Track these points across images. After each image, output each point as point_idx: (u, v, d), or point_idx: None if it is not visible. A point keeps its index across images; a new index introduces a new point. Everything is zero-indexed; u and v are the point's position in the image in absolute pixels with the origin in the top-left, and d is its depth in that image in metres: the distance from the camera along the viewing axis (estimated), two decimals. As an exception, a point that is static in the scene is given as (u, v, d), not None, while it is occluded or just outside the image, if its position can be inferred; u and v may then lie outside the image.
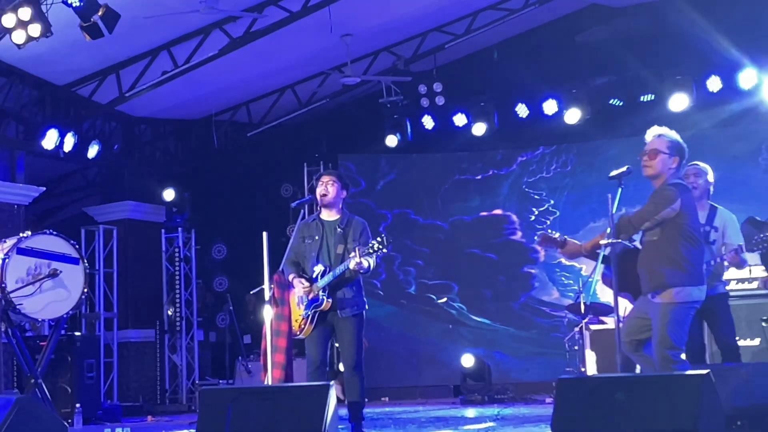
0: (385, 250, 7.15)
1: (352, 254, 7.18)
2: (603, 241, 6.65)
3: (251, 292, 8.67)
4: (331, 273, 7.33)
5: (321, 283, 7.35)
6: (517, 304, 14.48)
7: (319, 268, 7.41)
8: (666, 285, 6.29)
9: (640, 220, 6.43)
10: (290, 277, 7.50)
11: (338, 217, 7.60)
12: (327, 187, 7.56)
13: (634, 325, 6.52)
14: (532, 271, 14.54)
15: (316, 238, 7.53)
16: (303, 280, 7.42)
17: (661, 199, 6.41)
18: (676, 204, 6.35)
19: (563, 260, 14.33)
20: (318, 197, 7.60)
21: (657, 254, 6.39)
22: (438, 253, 14.84)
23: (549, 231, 6.61)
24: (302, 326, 7.40)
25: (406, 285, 14.86)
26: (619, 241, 6.63)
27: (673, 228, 6.36)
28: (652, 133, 6.69)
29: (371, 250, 7.11)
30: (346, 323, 7.41)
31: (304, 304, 7.41)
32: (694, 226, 6.46)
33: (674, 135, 6.67)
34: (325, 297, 7.34)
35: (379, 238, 7.16)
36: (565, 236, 6.62)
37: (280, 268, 7.43)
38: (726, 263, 7.61)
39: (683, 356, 6.30)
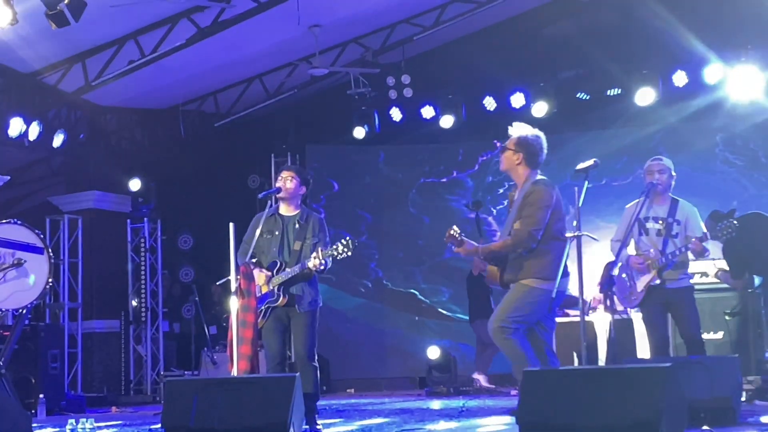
0: (349, 254, 7.16)
1: (314, 254, 7.19)
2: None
3: (217, 283, 8.65)
4: (288, 271, 7.34)
5: (276, 279, 7.36)
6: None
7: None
8: (528, 276, 6.51)
9: (532, 225, 6.50)
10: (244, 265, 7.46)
11: (297, 212, 7.59)
12: (286, 182, 7.56)
13: None
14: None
15: (276, 233, 7.52)
16: (264, 270, 7.43)
17: (538, 200, 6.54)
18: (552, 202, 6.56)
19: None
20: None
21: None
22: (421, 258, 14.88)
23: (453, 229, 6.68)
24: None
25: (392, 285, 14.91)
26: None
27: (549, 227, 6.58)
28: (512, 130, 6.93)
29: (335, 253, 7.10)
30: (301, 318, 7.43)
31: (258, 297, 7.41)
32: (561, 221, 6.65)
33: (524, 131, 6.84)
34: (280, 293, 7.35)
35: (344, 241, 7.16)
36: (463, 236, 6.69)
37: (246, 260, 7.41)
38: (690, 255, 7.69)
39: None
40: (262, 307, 7.40)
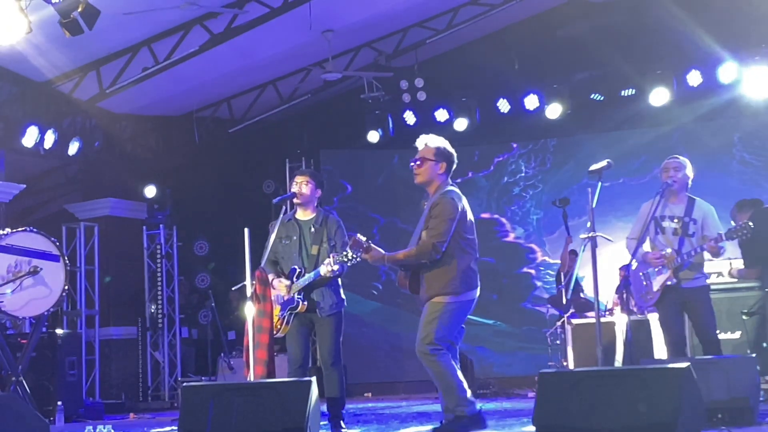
0: (359, 258, 7.16)
1: (327, 260, 7.19)
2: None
3: (233, 289, 8.66)
4: (306, 276, 7.35)
5: (296, 285, 7.37)
6: (519, 304, 14.55)
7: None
8: (440, 293, 6.55)
9: (437, 237, 6.50)
10: (269, 277, 7.49)
11: (313, 215, 7.61)
12: (302, 187, 7.57)
13: None
14: (531, 271, 14.63)
15: (294, 238, 7.53)
16: (283, 279, 7.44)
17: (443, 212, 6.56)
18: (457, 215, 6.57)
19: (547, 258, 14.42)
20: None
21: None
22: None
23: (358, 235, 6.71)
24: (278, 326, 7.41)
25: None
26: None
27: (455, 238, 6.60)
28: (420, 142, 6.93)
29: (345, 259, 7.10)
30: (324, 322, 7.43)
31: (280, 304, 7.43)
32: (468, 233, 6.69)
33: (440, 142, 6.89)
34: (300, 299, 7.36)
35: (350, 239, 7.17)
36: (370, 242, 6.71)
37: (262, 265, 7.42)
38: (706, 254, 7.66)
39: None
40: (285, 314, 7.41)
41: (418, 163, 6.85)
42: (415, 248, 6.65)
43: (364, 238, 6.69)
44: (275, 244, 7.49)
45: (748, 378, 6.73)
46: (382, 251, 6.73)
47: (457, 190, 6.77)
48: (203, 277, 15.10)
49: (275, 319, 7.43)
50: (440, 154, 6.83)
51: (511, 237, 14.81)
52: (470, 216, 6.78)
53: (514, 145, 14.95)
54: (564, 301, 11.61)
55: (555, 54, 13.86)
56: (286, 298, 7.41)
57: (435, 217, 6.58)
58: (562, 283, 12.02)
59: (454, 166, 6.87)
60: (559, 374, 5.77)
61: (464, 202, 6.75)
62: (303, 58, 13.42)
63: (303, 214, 7.64)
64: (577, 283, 12.24)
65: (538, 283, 14.54)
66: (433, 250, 6.51)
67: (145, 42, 11.64)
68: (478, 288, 6.73)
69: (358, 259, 7.06)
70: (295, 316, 7.43)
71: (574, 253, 12.10)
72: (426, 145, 6.89)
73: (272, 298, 7.45)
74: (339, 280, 7.53)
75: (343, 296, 7.58)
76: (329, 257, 7.18)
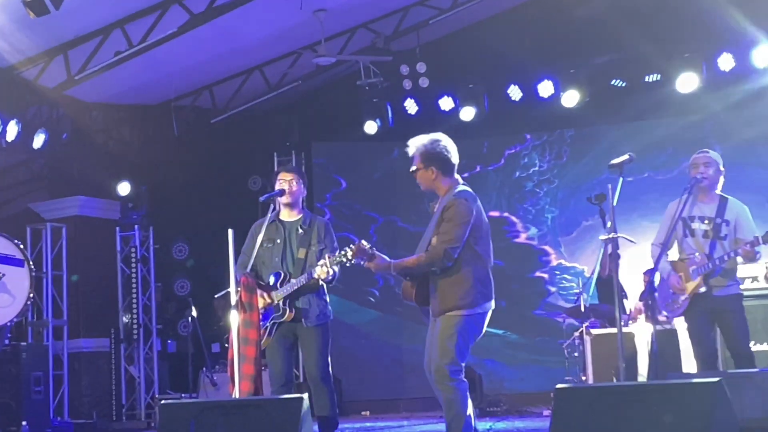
0: (363, 263, 7.15)
1: (321, 262, 7.18)
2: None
3: (216, 296, 8.66)
4: (295, 282, 7.33)
5: (281, 292, 7.36)
6: (531, 311, 14.55)
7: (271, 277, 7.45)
8: (456, 306, 6.49)
9: (449, 243, 6.49)
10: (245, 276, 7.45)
11: (300, 216, 7.61)
12: (291, 185, 7.56)
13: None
14: (544, 275, 14.63)
15: (278, 241, 7.52)
16: (264, 293, 7.42)
17: (456, 215, 6.52)
18: (471, 218, 6.54)
19: (563, 261, 14.42)
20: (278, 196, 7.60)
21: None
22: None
23: (362, 242, 6.68)
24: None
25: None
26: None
27: (469, 244, 6.55)
28: (410, 150, 6.81)
29: (343, 259, 7.08)
30: (310, 333, 7.42)
31: (261, 313, 7.41)
32: (483, 238, 6.67)
33: (420, 141, 6.76)
34: (286, 308, 7.36)
35: (353, 246, 7.13)
36: (374, 249, 6.69)
37: (247, 269, 7.42)
38: (739, 258, 7.65)
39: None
40: (267, 324, 7.40)
41: (414, 173, 6.77)
42: (424, 255, 6.59)
43: (368, 245, 6.67)
44: (255, 248, 7.45)
45: (785, 394, 6.73)
46: (388, 259, 6.69)
47: (469, 189, 6.72)
48: (183, 283, 15.10)
49: None
50: (426, 159, 6.69)
51: (522, 237, 14.82)
52: (485, 218, 6.76)
53: (528, 137, 14.96)
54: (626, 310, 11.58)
55: (572, 35, 13.86)
56: (268, 307, 7.40)
57: (447, 221, 6.53)
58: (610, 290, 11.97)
59: (452, 162, 6.71)
60: (577, 390, 5.78)
61: (479, 204, 6.71)
62: (293, 41, 13.43)
63: (288, 215, 7.63)
64: (622, 289, 12.24)
65: (552, 289, 14.55)
66: (445, 257, 6.47)
67: (117, 23, 11.62)
68: (493, 299, 6.72)
69: (360, 263, 7.05)
70: (278, 327, 7.42)
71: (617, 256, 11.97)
72: (413, 153, 6.77)
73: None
74: (326, 287, 7.53)
75: (329, 306, 7.58)
76: (325, 258, 7.17)
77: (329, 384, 7.44)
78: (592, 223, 13.33)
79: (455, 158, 6.74)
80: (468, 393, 6.56)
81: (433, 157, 6.69)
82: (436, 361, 6.55)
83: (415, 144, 6.77)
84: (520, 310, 14.47)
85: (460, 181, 6.76)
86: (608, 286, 11.94)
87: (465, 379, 6.57)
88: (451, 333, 6.50)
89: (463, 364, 6.56)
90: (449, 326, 6.51)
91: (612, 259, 11.73)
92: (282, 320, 7.37)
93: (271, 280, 7.45)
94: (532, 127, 14.82)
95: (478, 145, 14.70)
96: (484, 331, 6.68)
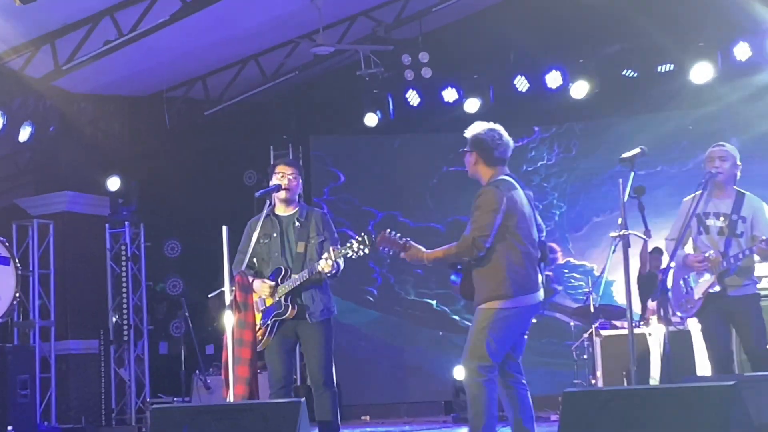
0: (367, 251, 7.15)
1: (324, 255, 7.18)
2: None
3: (210, 296, 8.66)
4: (297, 277, 7.32)
5: (283, 288, 7.36)
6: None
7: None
8: (488, 297, 6.55)
9: (477, 231, 6.56)
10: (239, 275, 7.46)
11: (295, 210, 7.61)
12: (290, 180, 7.56)
13: None
14: (549, 273, 14.61)
15: (274, 235, 7.52)
16: (266, 280, 7.43)
17: (483, 203, 6.61)
18: (501, 206, 6.57)
19: (572, 259, 14.41)
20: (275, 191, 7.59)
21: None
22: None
23: (389, 231, 6.72)
24: (260, 337, 7.40)
25: (405, 294, 14.89)
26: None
27: (502, 233, 6.61)
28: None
29: (349, 252, 7.09)
30: (313, 331, 7.41)
31: (262, 311, 7.41)
32: (522, 227, 6.70)
33: (473, 130, 6.93)
34: (288, 304, 7.35)
35: (359, 237, 7.16)
36: (407, 239, 6.73)
37: (242, 268, 7.42)
38: (756, 257, 7.64)
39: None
40: (269, 322, 7.39)
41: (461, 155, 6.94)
42: (455, 245, 6.69)
43: (398, 234, 6.72)
44: (252, 245, 7.46)
45: (804, 398, 6.73)
46: (422, 248, 6.76)
47: (509, 179, 6.76)
48: (175, 282, 15.10)
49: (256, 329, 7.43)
50: (471, 144, 6.89)
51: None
52: (525, 208, 6.75)
53: (535, 129, 14.96)
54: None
55: (581, 24, 13.84)
56: (269, 303, 7.40)
57: (476, 209, 6.63)
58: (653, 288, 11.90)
59: (495, 154, 6.82)
60: (586, 394, 5.78)
61: (518, 193, 6.73)
62: (290, 29, 13.42)
63: (284, 210, 7.63)
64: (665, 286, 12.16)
65: (559, 287, 14.54)
66: (474, 246, 6.54)
67: (107, 11, 11.62)
68: (540, 292, 6.72)
69: (367, 251, 7.06)
70: (280, 326, 7.41)
71: (657, 251, 11.86)
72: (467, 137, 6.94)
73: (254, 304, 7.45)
74: (328, 282, 7.53)
75: (333, 301, 7.58)
76: (329, 250, 7.17)
77: (332, 387, 7.44)
78: (603, 219, 13.33)
79: (502, 152, 6.86)
80: (495, 396, 6.57)
81: (478, 143, 6.87)
82: (465, 355, 6.60)
83: (472, 128, 6.94)
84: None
85: (504, 172, 6.82)
86: (650, 282, 11.91)
87: (494, 379, 6.59)
88: (482, 327, 6.56)
89: (496, 363, 6.58)
90: (481, 320, 6.58)
91: (654, 255, 11.68)
92: (284, 317, 7.35)
93: (274, 273, 7.44)
94: (539, 120, 14.83)
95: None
96: (528, 328, 6.75)
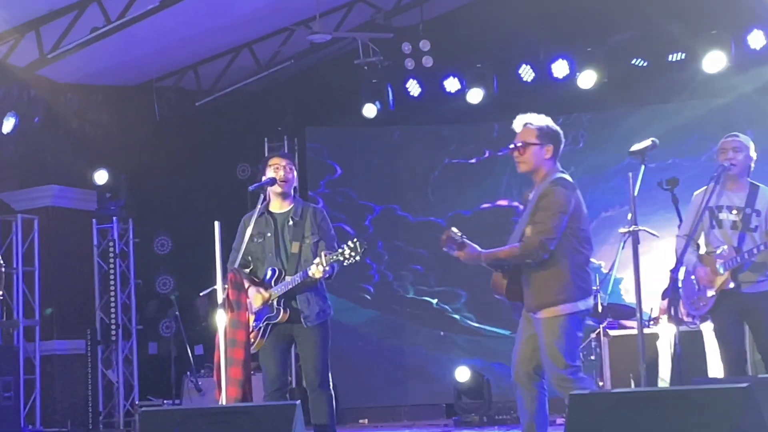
0: (357, 258, 7.14)
1: (316, 261, 7.18)
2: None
3: (201, 294, 8.66)
4: (290, 280, 7.32)
5: (275, 291, 7.35)
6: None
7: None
8: (552, 302, 6.58)
9: (545, 233, 6.54)
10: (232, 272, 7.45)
11: (291, 206, 7.60)
12: (286, 173, 7.54)
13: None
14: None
15: (268, 234, 7.52)
16: (261, 289, 7.42)
17: (553, 204, 6.63)
18: (570, 207, 6.64)
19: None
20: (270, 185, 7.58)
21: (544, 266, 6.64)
22: (438, 256, 14.84)
23: (453, 229, 6.72)
24: (253, 340, 7.40)
25: (404, 292, 14.87)
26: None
27: (566, 235, 6.63)
28: (518, 123, 7.06)
29: (341, 257, 7.08)
30: (308, 333, 7.42)
31: (255, 313, 7.41)
32: (584, 229, 6.74)
33: (543, 120, 7.04)
34: (280, 308, 7.34)
35: (351, 243, 7.13)
36: (465, 238, 6.72)
37: (235, 266, 7.42)
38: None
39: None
40: (261, 325, 7.39)
41: (520, 148, 6.90)
42: (519, 246, 6.68)
43: (458, 233, 6.71)
44: (245, 244, 7.46)
45: (821, 400, 6.72)
46: (479, 248, 6.76)
47: (568, 177, 6.81)
48: (165, 279, 15.10)
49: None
50: (545, 136, 6.93)
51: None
52: (585, 209, 6.80)
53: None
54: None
55: (589, 11, 13.83)
56: (262, 306, 7.39)
57: (543, 209, 6.65)
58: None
59: (562, 147, 6.94)
60: (593, 396, 5.77)
61: (578, 193, 6.79)
62: (285, 16, 13.42)
63: (279, 206, 7.62)
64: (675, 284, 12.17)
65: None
66: (540, 248, 6.56)
67: (94, -4, 11.64)
68: (592, 297, 6.79)
69: (358, 259, 7.05)
70: (273, 328, 7.41)
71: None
72: (526, 125, 7.00)
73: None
74: (324, 283, 7.52)
75: (329, 302, 7.57)
76: (321, 256, 7.16)
77: (328, 390, 7.45)
78: (612, 214, 13.30)
79: (562, 146, 6.99)
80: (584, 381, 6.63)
81: (553, 135, 6.99)
82: (551, 370, 6.63)
83: (535, 119, 7.02)
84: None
85: (560, 168, 6.89)
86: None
87: (585, 376, 6.67)
88: (557, 336, 6.59)
89: (578, 363, 6.64)
90: (552, 330, 6.60)
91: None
92: (276, 321, 7.37)
93: (268, 274, 7.44)
94: (545, 110, 14.58)
95: (487, 129, 14.65)
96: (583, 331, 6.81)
